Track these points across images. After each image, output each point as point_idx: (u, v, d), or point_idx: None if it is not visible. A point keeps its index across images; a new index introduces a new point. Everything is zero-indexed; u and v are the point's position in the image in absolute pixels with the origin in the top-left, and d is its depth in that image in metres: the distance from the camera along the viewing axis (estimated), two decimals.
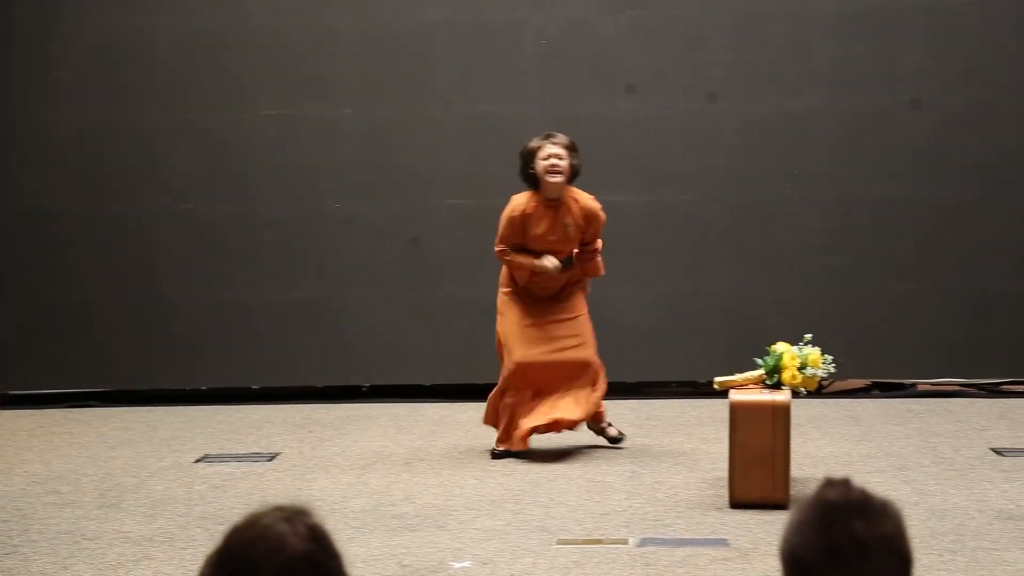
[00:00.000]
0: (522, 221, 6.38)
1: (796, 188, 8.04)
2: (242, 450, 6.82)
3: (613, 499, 5.65)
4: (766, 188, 8.04)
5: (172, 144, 8.19)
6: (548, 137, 6.40)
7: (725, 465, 5.63)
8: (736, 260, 8.07)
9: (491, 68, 8.10)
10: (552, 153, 6.33)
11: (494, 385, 8.19)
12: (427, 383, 8.23)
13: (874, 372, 8.02)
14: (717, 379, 5.93)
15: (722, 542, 4.98)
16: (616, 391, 8.09)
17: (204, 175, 8.20)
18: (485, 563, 4.78)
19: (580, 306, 6.49)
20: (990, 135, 7.89)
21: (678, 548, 4.91)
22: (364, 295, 8.19)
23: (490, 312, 8.18)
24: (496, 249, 6.51)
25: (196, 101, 8.16)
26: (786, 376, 5.64)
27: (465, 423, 7.40)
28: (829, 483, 1.84)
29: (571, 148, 6.40)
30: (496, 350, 6.63)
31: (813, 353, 5.68)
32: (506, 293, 6.60)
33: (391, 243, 8.19)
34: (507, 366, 6.46)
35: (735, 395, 5.60)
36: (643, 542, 5.01)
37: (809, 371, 5.65)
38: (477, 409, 7.76)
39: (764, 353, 5.74)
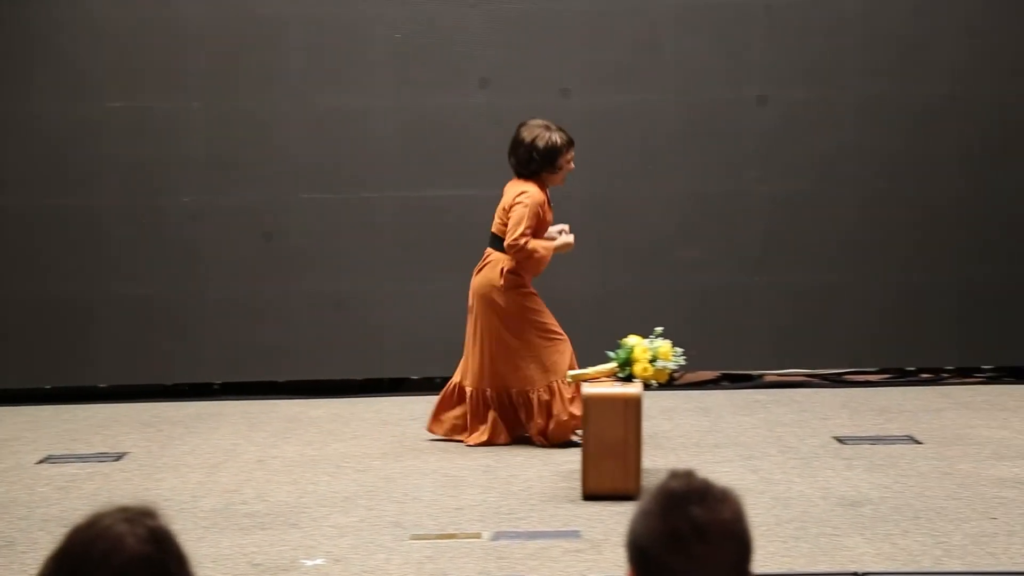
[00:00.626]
0: (543, 210, 6.50)
1: (647, 182, 8.16)
2: (88, 450, 6.65)
3: (467, 494, 5.66)
4: (617, 182, 8.14)
5: (14, 136, 7.93)
6: (571, 141, 6.55)
7: (578, 457, 5.69)
8: (588, 253, 8.14)
9: (344, 61, 8.03)
10: (572, 158, 6.57)
11: (350, 380, 8.16)
12: (280, 379, 8.14)
13: (723, 364, 8.19)
14: (570, 372, 6.00)
15: (574, 534, 5.03)
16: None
17: (47, 168, 7.96)
18: (338, 560, 4.75)
19: None
20: (831, 130, 8.12)
21: (531, 541, 4.95)
22: (215, 290, 8.06)
23: (345, 306, 8.13)
24: (521, 241, 6.42)
25: (38, 93, 7.92)
26: (637, 369, 5.72)
27: (318, 419, 7.34)
28: (673, 474, 1.89)
29: None
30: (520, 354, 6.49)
31: (664, 346, 5.77)
32: (525, 291, 6.56)
33: (243, 238, 8.07)
34: (558, 352, 6.40)
35: (587, 388, 5.67)
36: (497, 536, 5.03)
37: (660, 364, 5.74)
38: (330, 405, 7.72)
39: (616, 346, 5.81)
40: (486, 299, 6.52)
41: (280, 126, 8.04)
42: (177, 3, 7.97)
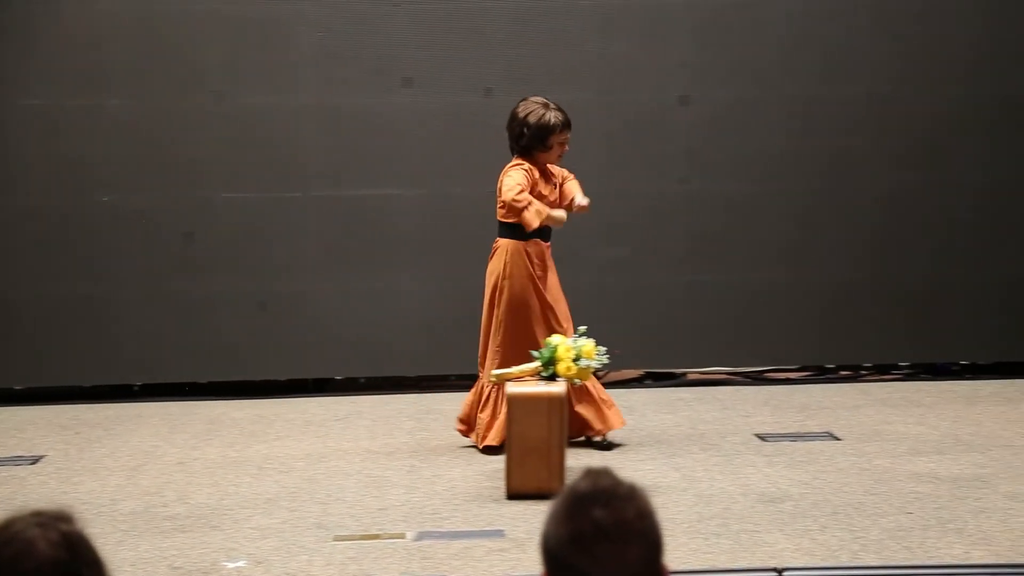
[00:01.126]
0: (532, 179, 6.41)
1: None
2: (2, 453, 6.54)
3: (391, 494, 5.65)
4: None
5: None
6: (568, 120, 6.44)
7: (502, 457, 5.70)
8: None
9: (267, 59, 7.97)
10: (565, 139, 6.45)
11: (273, 381, 8.09)
12: (202, 380, 8.05)
13: (646, 362, 8.25)
14: (494, 372, 6.00)
15: (498, 533, 5.04)
16: (395, 385, 8.11)
17: None
18: (260, 562, 4.71)
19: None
20: (754, 130, 8.20)
21: (455, 540, 4.95)
22: (136, 290, 7.95)
23: (268, 306, 8.07)
24: (518, 197, 6.26)
25: None
26: (561, 368, 5.75)
27: (241, 421, 7.28)
28: (585, 474, 1.90)
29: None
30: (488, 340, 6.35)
31: (587, 345, 5.80)
32: (527, 277, 6.40)
33: (164, 237, 7.97)
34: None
35: (511, 387, 5.68)
36: (420, 536, 5.02)
37: (583, 362, 5.77)
38: (253, 406, 7.66)
39: (539, 345, 5.83)
40: (493, 287, 6.43)
41: (202, 124, 7.96)
42: (95, 0, 7.85)
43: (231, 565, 4.68)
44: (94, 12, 7.86)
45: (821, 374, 8.36)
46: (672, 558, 1.92)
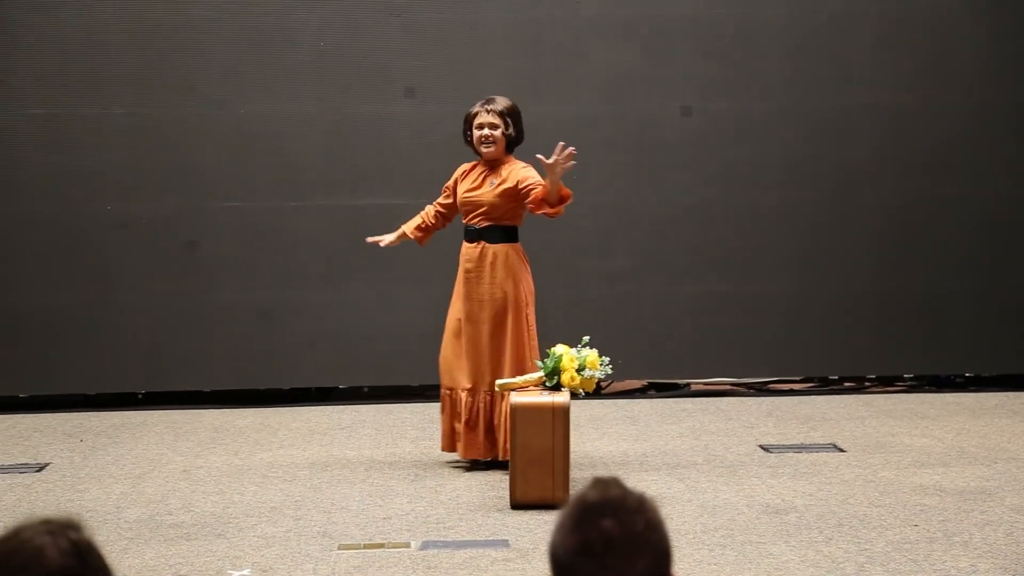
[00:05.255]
0: (456, 178, 6.35)
1: (573, 191, 8.18)
2: (8, 461, 6.53)
3: (396, 503, 5.65)
4: None
5: None
6: (486, 103, 6.26)
7: (506, 467, 5.69)
8: None
9: (267, 69, 7.98)
10: (486, 122, 6.22)
11: (277, 390, 8.10)
12: (206, 389, 8.06)
13: (650, 373, 8.25)
14: (498, 382, 5.99)
15: (503, 543, 5.04)
16: (398, 394, 8.11)
17: None
18: (265, 571, 4.71)
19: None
20: (754, 140, 8.21)
21: (460, 550, 4.94)
22: (139, 299, 7.96)
23: (270, 315, 8.07)
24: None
25: None
26: (565, 378, 5.75)
27: (245, 429, 7.28)
28: (593, 483, 1.90)
29: (508, 114, 6.25)
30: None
31: (591, 355, 5.80)
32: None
33: (167, 245, 7.98)
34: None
35: (515, 397, 5.67)
36: (425, 545, 5.02)
37: (587, 373, 5.77)
38: (257, 415, 7.66)
39: (543, 355, 5.83)
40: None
41: (203, 133, 7.97)
42: (98, 10, 7.87)
43: (236, 573, 4.67)
44: (97, 21, 7.88)
45: (825, 386, 8.36)
46: (677, 569, 1.92)
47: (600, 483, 1.88)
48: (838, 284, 8.25)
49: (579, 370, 5.77)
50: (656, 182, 8.20)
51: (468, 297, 6.23)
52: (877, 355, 8.28)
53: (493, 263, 6.22)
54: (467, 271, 6.26)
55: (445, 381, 6.27)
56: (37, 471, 6.31)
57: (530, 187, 6.14)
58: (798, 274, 8.25)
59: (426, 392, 8.11)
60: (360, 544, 5.03)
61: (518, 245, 6.31)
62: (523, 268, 6.30)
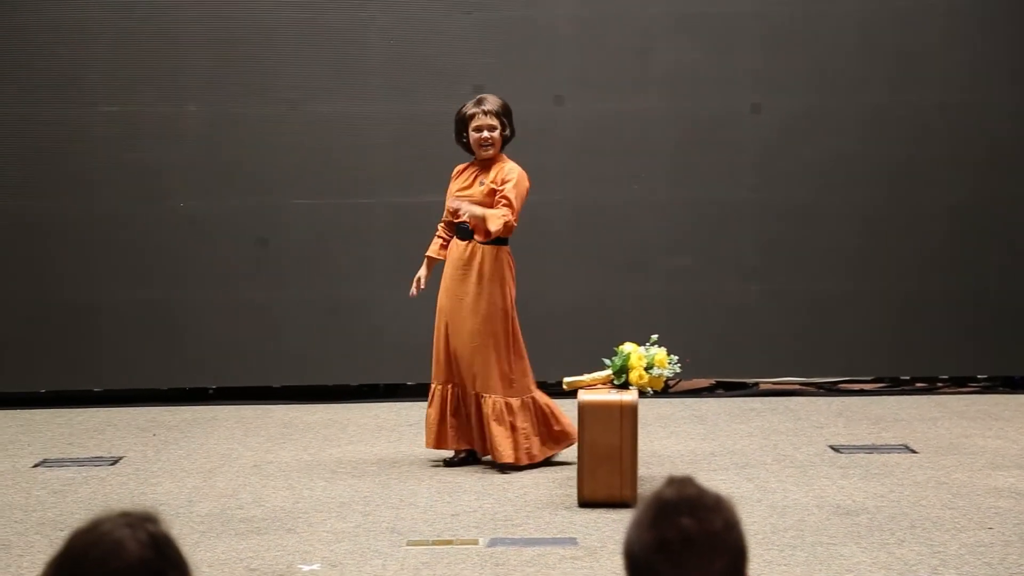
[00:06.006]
0: (452, 179, 6.38)
1: (640, 190, 8.18)
2: (83, 454, 6.64)
3: (463, 500, 5.66)
4: (611, 189, 8.15)
5: (10, 140, 7.93)
6: (480, 103, 6.25)
7: (574, 464, 5.69)
8: (582, 261, 8.17)
9: (337, 67, 8.04)
10: (484, 124, 6.22)
11: (345, 386, 8.15)
12: (275, 384, 8.13)
13: (718, 372, 8.20)
14: (566, 379, 5.99)
15: (571, 541, 5.03)
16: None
17: (43, 172, 7.95)
18: (334, 565, 4.74)
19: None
20: (826, 139, 8.13)
21: (527, 548, 4.95)
22: (211, 295, 8.05)
23: (340, 312, 8.13)
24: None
25: (34, 96, 7.92)
26: (633, 376, 5.73)
27: (314, 425, 7.34)
28: (669, 481, 1.89)
29: (503, 114, 6.24)
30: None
31: (659, 353, 5.78)
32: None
33: (238, 243, 8.07)
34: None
35: (583, 395, 5.67)
36: (493, 542, 5.03)
37: (655, 371, 5.74)
38: (326, 411, 7.72)
39: (612, 354, 5.82)
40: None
41: (275, 131, 8.04)
42: (173, 8, 7.97)
43: (306, 568, 4.71)
44: (172, 21, 7.97)
45: (896, 386, 8.26)
46: (747, 569, 1.91)
47: (676, 481, 1.88)
48: (908, 282, 8.15)
49: (647, 368, 5.75)
50: (724, 180, 8.15)
51: (453, 295, 6.23)
52: (950, 355, 8.17)
53: (481, 264, 6.20)
54: (455, 269, 6.25)
55: (435, 376, 6.26)
56: (111, 464, 6.40)
57: (497, 204, 6.14)
58: (868, 272, 8.16)
59: None
60: (428, 540, 5.06)
61: (506, 248, 6.28)
62: (509, 271, 6.25)
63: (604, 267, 8.17)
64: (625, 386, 5.73)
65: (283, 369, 8.09)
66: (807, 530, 5.12)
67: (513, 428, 6.15)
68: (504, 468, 6.13)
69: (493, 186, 6.19)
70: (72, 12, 7.92)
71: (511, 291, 6.24)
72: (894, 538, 5.00)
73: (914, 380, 8.27)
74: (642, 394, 5.76)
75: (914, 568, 4.63)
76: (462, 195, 6.27)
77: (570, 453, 6.07)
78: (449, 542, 5.04)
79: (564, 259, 8.17)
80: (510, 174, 6.21)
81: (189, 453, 6.63)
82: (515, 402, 6.18)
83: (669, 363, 5.80)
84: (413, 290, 6.45)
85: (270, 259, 8.08)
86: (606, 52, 8.09)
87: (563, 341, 8.08)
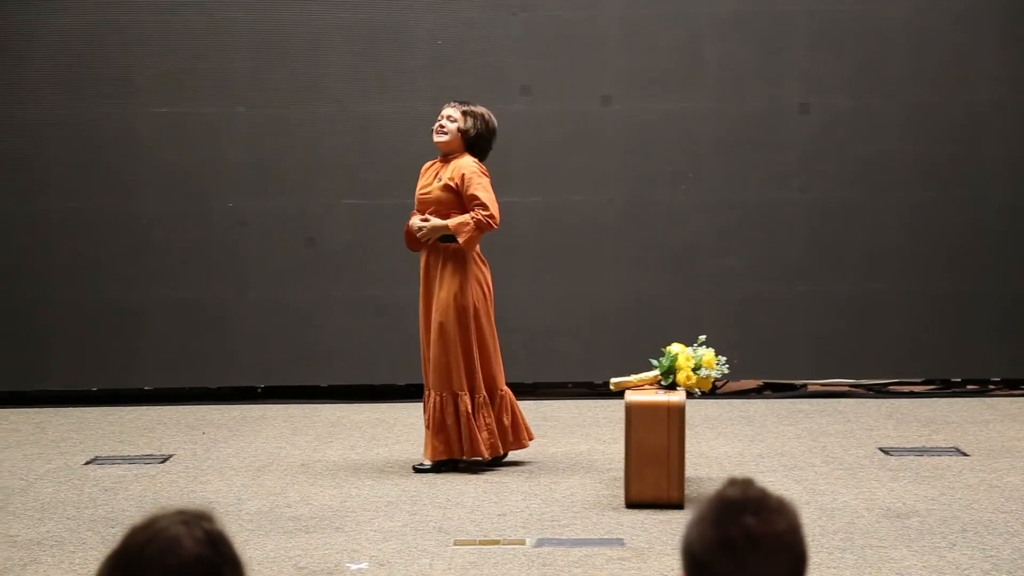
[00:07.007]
0: (418, 178, 6.37)
1: (688, 190, 8.15)
2: (133, 452, 6.70)
3: (510, 500, 5.67)
4: (658, 189, 8.13)
5: (60, 141, 8.02)
6: (458, 101, 6.33)
7: (621, 465, 5.69)
8: (630, 261, 8.15)
9: (385, 68, 8.07)
10: (443, 114, 6.26)
11: (392, 385, 8.17)
12: (323, 384, 8.17)
13: (766, 373, 8.15)
14: (613, 380, 5.98)
15: (618, 542, 5.02)
16: (513, 392, 8.12)
17: (93, 173, 8.04)
18: (382, 564, 4.76)
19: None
20: (874, 138, 8.07)
21: (575, 548, 4.94)
22: (259, 295, 8.11)
23: (387, 311, 8.16)
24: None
25: (84, 98, 8.00)
26: (681, 377, 5.71)
27: (361, 424, 7.37)
28: (731, 482, 1.88)
29: (471, 115, 6.23)
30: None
31: (707, 354, 5.76)
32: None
33: (286, 243, 8.12)
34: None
35: (631, 396, 5.65)
36: (540, 542, 5.03)
37: (703, 372, 5.72)
38: (373, 410, 7.75)
39: (659, 354, 5.80)
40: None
41: (323, 131, 8.09)
42: (222, 9, 8.03)
43: (354, 567, 4.73)
44: (221, 23, 8.03)
45: (947, 388, 8.18)
46: None
47: (738, 482, 1.87)
48: (961, 283, 8.07)
49: (695, 369, 5.73)
50: (772, 179, 8.11)
51: (424, 297, 6.23)
52: (1002, 357, 8.08)
53: (444, 263, 6.16)
54: (424, 270, 6.24)
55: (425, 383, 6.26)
56: (161, 462, 6.46)
57: (470, 206, 6.10)
58: (919, 273, 8.08)
59: (540, 389, 8.13)
60: (475, 540, 5.06)
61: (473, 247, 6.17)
62: (473, 268, 6.15)
63: (652, 267, 8.15)
64: (672, 387, 5.72)
65: (331, 368, 8.13)
66: (856, 533, 5.08)
67: (477, 425, 6.09)
68: (421, 467, 6.13)
69: (450, 182, 6.15)
70: (122, 15, 7.99)
71: (474, 290, 6.14)
72: (945, 542, 4.95)
73: (965, 382, 8.19)
74: (690, 395, 5.74)
75: (966, 572, 4.59)
76: (423, 192, 6.25)
77: (616, 454, 6.03)
78: (496, 542, 5.04)
79: (611, 259, 8.15)
80: (468, 172, 6.14)
81: (238, 452, 6.68)
82: (479, 397, 6.11)
83: (717, 364, 5.77)
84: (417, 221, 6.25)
85: (318, 259, 8.12)
86: (653, 52, 8.07)
87: (610, 341, 8.07)
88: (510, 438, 6.26)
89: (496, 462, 6.25)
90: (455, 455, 6.13)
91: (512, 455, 6.36)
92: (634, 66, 8.08)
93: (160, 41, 8.02)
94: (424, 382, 6.27)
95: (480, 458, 6.18)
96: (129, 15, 8.00)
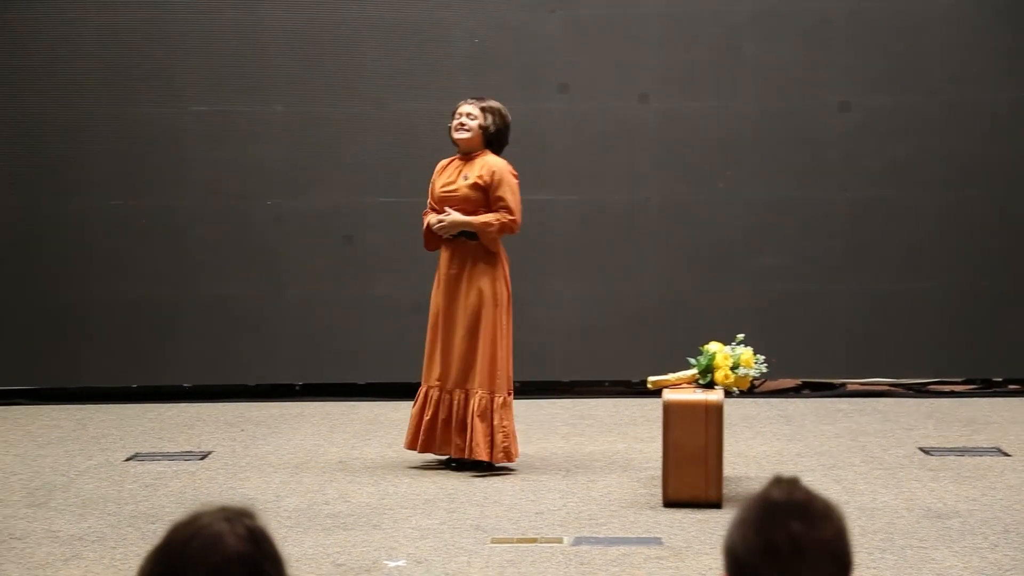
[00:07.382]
0: (432, 181, 6.32)
1: (726, 188, 8.12)
2: (173, 449, 6.75)
3: (547, 498, 5.66)
4: (696, 188, 8.10)
5: (100, 140, 8.08)
6: (475, 97, 6.31)
7: (658, 464, 5.67)
8: (668, 259, 8.13)
9: (423, 66, 8.08)
10: (463, 111, 6.24)
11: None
12: (360, 381, 8.20)
13: (804, 372, 8.11)
14: (650, 378, 5.97)
15: (656, 541, 5.01)
16: (549, 390, 8.13)
17: (133, 171, 8.10)
18: (419, 562, 4.77)
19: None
20: (914, 136, 8.01)
21: (612, 547, 4.93)
22: (297, 292, 8.14)
23: (423, 309, 8.16)
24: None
25: (124, 96, 8.06)
26: (719, 376, 5.69)
27: (399, 422, 7.37)
28: (776, 482, 1.84)
29: (490, 111, 6.21)
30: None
31: (745, 353, 5.73)
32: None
33: (324, 240, 8.15)
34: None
35: (668, 394, 5.64)
36: (577, 541, 5.02)
37: (741, 371, 5.70)
38: (410, 408, 7.74)
39: (697, 353, 5.78)
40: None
41: (360, 130, 8.11)
42: (258, 9, 8.07)
43: (392, 564, 4.75)
44: (259, 22, 8.07)
45: (988, 387, 8.11)
46: None
47: (783, 482, 1.82)
48: (1001, 282, 8.00)
49: (733, 368, 5.71)
50: (812, 179, 8.07)
51: (446, 294, 6.19)
52: None
53: (474, 260, 6.14)
54: (447, 267, 6.21)
55: (425, 377, 6.22)
56: (200, 459, 6.50)
57: (496, 207, 6.08)
58: (959, 273, 8.02)
59: (577, 388, 8.12)
60: (513, 538, 5.06)
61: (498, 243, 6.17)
62: (500, 266, 6.16)
63: (690, 265, 8.13)
64: (711, 386, 5.70)
65: (368, 366, 8.15)
66: (897, 533, 5.05)
67: (493, 426, 6.06)
68: (462, 466, 6.08)
69: (479, 180, 6.13)
70: (162, 13, 8.05)
71: (504, 287, 6.15)
72: (987, 542, 4.91)
73: (1007, 382, 8.11)
74: (728, 394, 5.72)
75: (1008, 573, 4.55)
76: (447, 190, 6.21)
77: (654, 452, 6.01)
78: (533, 540, 5.04)
79: (649, 257, 8.13)
80: (500, 172, 6.13)
81: (276, 449, 6.71)
82: (499, 398, 6.10)
83: (755, 363, 5.75)
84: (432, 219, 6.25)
85: (355, 256, 8.15)
86: (692, 50, 8.04)
87: (648, 340, 8.05)
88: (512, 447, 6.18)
89: (491, 467, 6.12)
90: (484, 457, 6.04)
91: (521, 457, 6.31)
92: (672, 64, 8.05)
93: (200, 41, 8.07)
94: (435, 379, 6.16)
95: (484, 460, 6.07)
96: (169, 15, 8.06)
